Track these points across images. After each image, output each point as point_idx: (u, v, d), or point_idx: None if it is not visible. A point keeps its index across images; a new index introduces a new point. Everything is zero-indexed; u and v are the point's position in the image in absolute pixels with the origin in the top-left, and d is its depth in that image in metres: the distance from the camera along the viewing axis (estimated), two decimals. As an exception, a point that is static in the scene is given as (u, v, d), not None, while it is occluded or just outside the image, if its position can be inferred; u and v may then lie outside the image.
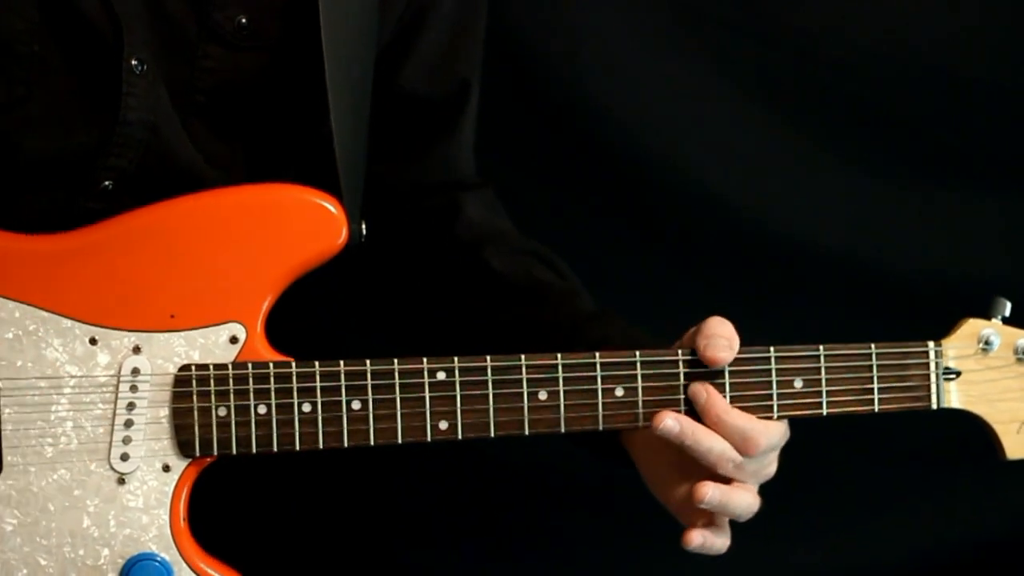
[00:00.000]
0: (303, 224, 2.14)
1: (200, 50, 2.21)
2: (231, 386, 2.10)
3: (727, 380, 2.19)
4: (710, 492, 2.16)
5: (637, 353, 2.18)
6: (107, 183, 2.17)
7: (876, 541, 3.14)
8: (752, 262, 3.04)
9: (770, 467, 2.22)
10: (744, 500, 2.18)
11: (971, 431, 2.28)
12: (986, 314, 2.28)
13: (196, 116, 2.23)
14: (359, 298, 2.49)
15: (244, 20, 2.22)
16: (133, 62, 2.15)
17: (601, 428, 2.18)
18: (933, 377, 2.24)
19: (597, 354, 2.17)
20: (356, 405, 2.12)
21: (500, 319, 2.42)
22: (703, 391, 2.17)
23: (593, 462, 2.34)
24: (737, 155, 3.02)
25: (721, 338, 2.16)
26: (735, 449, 2.17)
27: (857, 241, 3.05)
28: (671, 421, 2.16)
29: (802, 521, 3.11)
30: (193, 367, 2.10)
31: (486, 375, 2.15)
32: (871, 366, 2.22)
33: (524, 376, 2.15)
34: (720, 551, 2.22)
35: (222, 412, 2.10)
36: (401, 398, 2.13)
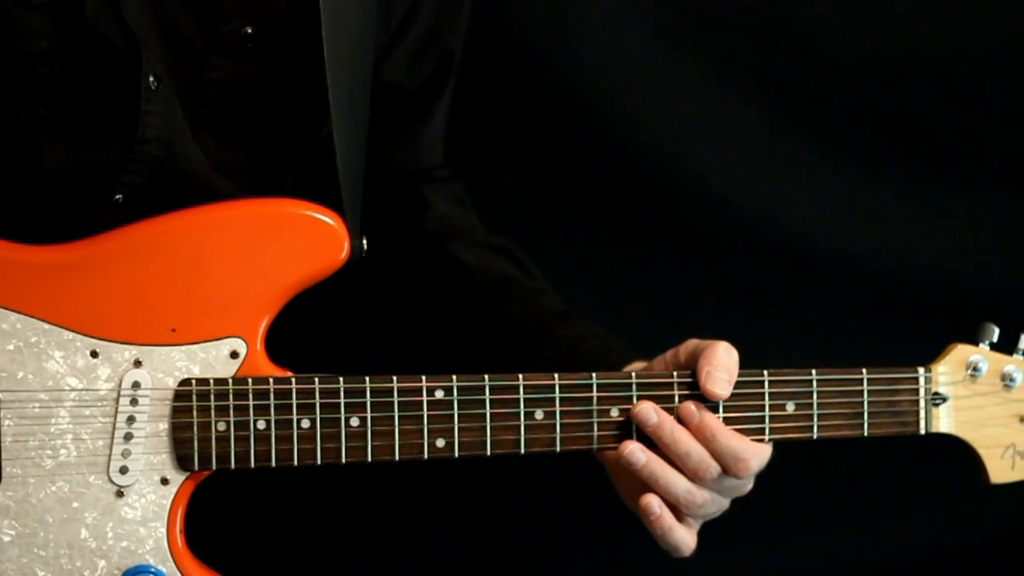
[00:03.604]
0: (305, 239, 2.14)
1: (207, 62, 2.21)
2: (231, 401, 2.11)
3: (720, 402, 2.21)
4: (631, 447, 2.17)
5: (633, 374, 2.20)
6: (118, 196, 2.17)
7: (876, 541, 3.17)
8: (752, 261, 3.05)
9: (748, 485, 2.25)
10: (682, 486, 2.18)
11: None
12: (974, 339, 2.31)
13: (204, 127, 2.23)
14: (359, 312, 2.49)
15: (250, 30, 2.21)
16: (151, 79, 2.14)
17: (595, 448, 2.20)
18: (922, 403, 2.27)
19: (594, 374, 2.19)
20: (354, 422, 2.13)
21: (467, 313, 2.44)
22: (695, 412, 2.19)
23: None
24: (737, 155, 3.02)
25: (723, 371, 2.17)
26: (725, 469, 2.19)
27: (857, 241, 3.06)
28: (651, 412, 2.18)
29: (802, 521, 3.15)
30: (193, 381, 2.10)
31: (484, 394, 2.16)
32: (862, 391, 2.25)
33: (521, 396, 2.17)
34: (680, 547, 2.21)
35: (221, 427, 2.11)
36: (399, 416, 2.14)
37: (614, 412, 2.19)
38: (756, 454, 2.20)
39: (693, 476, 2.18)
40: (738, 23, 2.97)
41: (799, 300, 3.06)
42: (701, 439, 2.18)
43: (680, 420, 2.19)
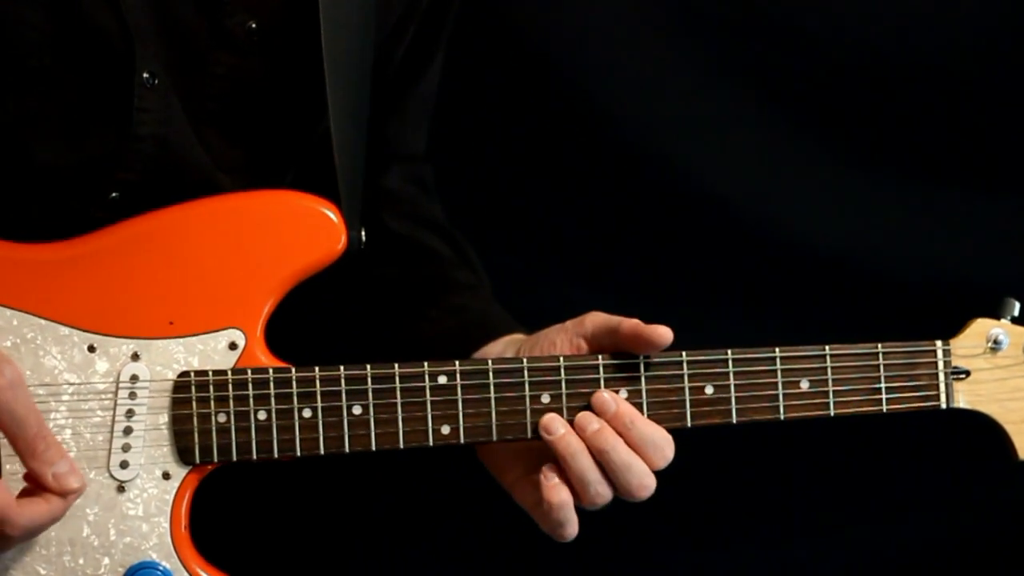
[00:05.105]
0: (302, 230, 2.14)
1: (211, 58, 2.21)
2: (230, 392, 2.09)
3: (732, 381, 2.17)
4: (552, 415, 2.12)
5: (641, 356, 2.16)
6: (114, 194, 2.16)
7: (876, 541, 3.12)
8: (753, 262, 3.03)
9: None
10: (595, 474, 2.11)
11: (972, 431, 2.25)
12: (995, 314, 2.26)
13: (209, 123, 2.23)
14: (359, 303, 2.48)
15: (253, 25, 2.22)
16: (145, 75, 2.14)
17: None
18: (942, 376, 2.22)
19: (600, 356, 2.15)
20: (357, 410, 2.11)
21: (378, 276, 2.43)
22: (611, 400, 2.13)
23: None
24: (738, 155, 3.02)
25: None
26: (645, 460, 2.12)
27: (858, 241, 3.04)
28: (593, 419, 2.12)
29: (801, 521, 3.09)
30: (192, 374, 2.09)
31: (487, 378, 2.13)
32: (878, 366, 2.20)
33: (526, 379, 2.14)
34: (568, 525, 2.13)
35: (222, 418, 2.09)
36: (402, 402, 2.12)
37: (623, 394, 2.15)
38: (671, 442, 2.14)
39: (626, 487, 2.11)
40: (738, 23, 2.98)
41: (800, 300, 3.03)
42: (620, 429, 2.11)
43: (593, 410, 2.13)
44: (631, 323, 2.13)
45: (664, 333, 2.12)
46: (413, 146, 2.53)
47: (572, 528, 2.13)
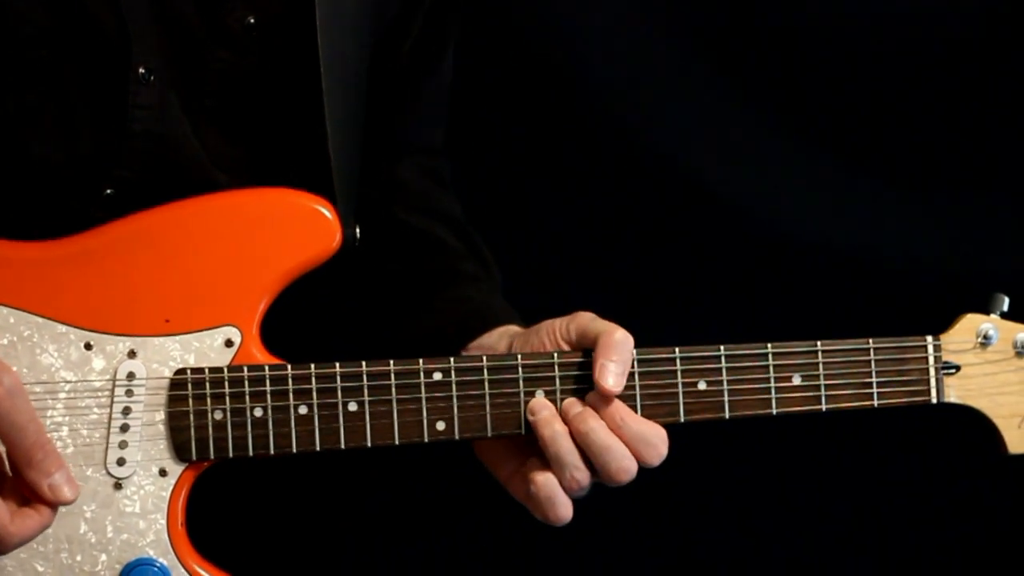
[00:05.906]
0: (298, 228, 2.15)
1: (209, 54, 2.22)
2: (227, 389, 2.10)
3: (724, 376, 2.18)
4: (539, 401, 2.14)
5: (634, 351, 2.17)
6: (109, 191, 2.17)
7: (866, 535, 3.13)
8: (751, 260, 3.05)
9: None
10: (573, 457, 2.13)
11: (962, 425, 2.27)
12: (985, 309, 2.28)
13: (206, 120, 2.23)
14: (354, 300, 2.49)
15: (252, 21, 2.22)
16: (141, 71, 2.15)
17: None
18: (932, 371, 2.24)
19: (594, 352, 2.16)
20: (352, 406, 2.12)
21: (387, 268, 2.45)
22: (600, 399, 2.15)
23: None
24: (737, 154, 3.03)
25: (619, 364, 2.13)
26: (637, 457, 2.13)
27: (849, 237, 3.06)
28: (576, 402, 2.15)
29: (793, 516, 3.10)
30: (188, 371, 2.10)
31: (482, 375, 2.14)
32: (869, 361, 2.22)
33: (520, 375, 2.15)
34: (562, 510, 2.14)
35: (218, 415, 2.10)
36: (397, 399, 2.13)
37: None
38: (665, 437, 2.15)
39: (607, 471, 2.12)
40: (738, 23, 2.99)
41: (798, 298, 3.05)
42: (612, 426, 2.13)
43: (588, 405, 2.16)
44: (599, 354, 2.13)
45: (605, 389, 2.13)
46: (427, 139, 2.54)
47: (562, 509, 2.14)
